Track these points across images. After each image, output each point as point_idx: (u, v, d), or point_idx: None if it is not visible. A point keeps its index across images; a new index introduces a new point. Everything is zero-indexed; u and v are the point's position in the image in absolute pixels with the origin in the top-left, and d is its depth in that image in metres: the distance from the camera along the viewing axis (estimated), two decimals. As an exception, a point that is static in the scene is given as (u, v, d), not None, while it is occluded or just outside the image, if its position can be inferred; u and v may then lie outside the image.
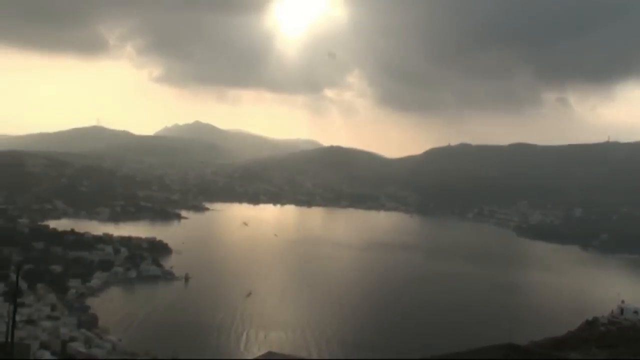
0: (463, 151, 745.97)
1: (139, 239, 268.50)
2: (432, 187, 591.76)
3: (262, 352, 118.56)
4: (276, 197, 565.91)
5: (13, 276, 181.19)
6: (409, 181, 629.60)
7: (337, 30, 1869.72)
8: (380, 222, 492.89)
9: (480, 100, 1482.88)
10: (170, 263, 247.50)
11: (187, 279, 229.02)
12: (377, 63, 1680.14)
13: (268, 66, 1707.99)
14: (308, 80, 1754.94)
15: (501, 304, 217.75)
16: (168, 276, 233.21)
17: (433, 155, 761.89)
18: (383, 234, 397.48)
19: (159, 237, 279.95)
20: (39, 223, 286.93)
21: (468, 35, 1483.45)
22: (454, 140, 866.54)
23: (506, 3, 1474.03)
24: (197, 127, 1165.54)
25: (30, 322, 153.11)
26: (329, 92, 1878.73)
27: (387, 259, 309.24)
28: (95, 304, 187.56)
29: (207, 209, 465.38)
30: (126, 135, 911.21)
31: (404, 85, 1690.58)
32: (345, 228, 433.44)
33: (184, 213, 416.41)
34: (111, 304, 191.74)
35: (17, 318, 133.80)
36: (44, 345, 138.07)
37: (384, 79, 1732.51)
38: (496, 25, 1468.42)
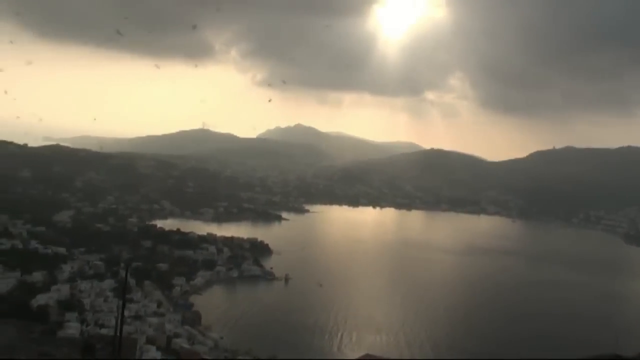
0: (568, 154, 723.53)
1: (240, 239, 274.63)
2: (536, 191, 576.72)
3: (358, 354, 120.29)
4: (376, 200, 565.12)
5: (123, 273, 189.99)
6: (511, 185, 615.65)
7: (438, 32, 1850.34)
8: (481, 227, 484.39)
9: (587, 102, 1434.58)
10: (271, 263, 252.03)
11: (287, 279, 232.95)
12: (480, 64, 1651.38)
13: (369, 69, 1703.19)
14: (409, 83, 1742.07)
15: (607, 313, 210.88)
16: (268, 276, 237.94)
17: (537, 158, 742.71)
18: (483, 239, 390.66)
19: (260, 238, 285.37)
20: (147, 222, 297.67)
21: (575, 35, 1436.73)
22: (559, 143, 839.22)
23: (611, 3, 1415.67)
24: (299, 129, 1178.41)
25: (137, 317, 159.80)
26: (429, 95, 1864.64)
27: (487, 265, 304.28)
28: (198, 301, 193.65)
29: (307, 210, 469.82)
30: (230, 138, 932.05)
31: (507, 87, 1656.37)
32: (445, 232, 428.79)
33: (284, 214, 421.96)
34: (213, 302, 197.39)
35: (126, 313, 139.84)
36: (150, 340, 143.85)
37: (487, 81, 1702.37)
38: (609, 25, 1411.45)
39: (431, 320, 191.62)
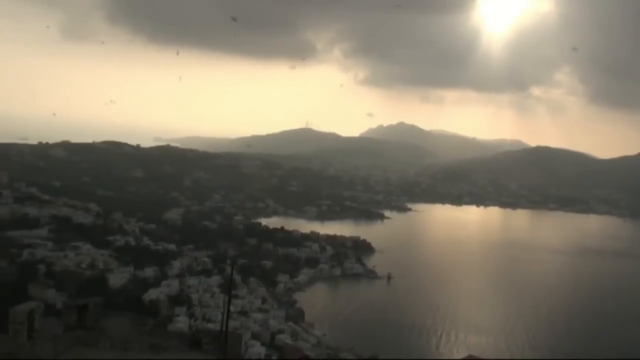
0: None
1: (343, 238, 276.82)
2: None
3: (460, 355, 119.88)
4: (479, 199, 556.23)
5: (229, 270, 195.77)
6: (623, 183, 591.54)
7: (544, 26, 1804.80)
8: (590, 227, 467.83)
9: None
10: (373, 262, 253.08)
11: (389, 278, 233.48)
12: (589, 58, 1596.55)
13: (473, 65, 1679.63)
14: (514, 79, 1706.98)
15: None
16: (371, 275, 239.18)
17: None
18: (593, 239, 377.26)
19: (362, 236, 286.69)
20: (252, 220, 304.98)
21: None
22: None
23: None
24: (401, 128, 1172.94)
25: (243, 313, 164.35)
26: (535, 90, 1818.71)
27: (597, 266, 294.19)
28: (301, 299, 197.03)
29: (410, 209, 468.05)
30: (334, 137, 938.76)
31: (618, 81, 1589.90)
32: (552, 232, 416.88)
33: (387, 213, 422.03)
34: (316, 300, 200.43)
35: (232, 309, 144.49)
36: (254, 336, 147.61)
37: (597, 75, 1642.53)
38: None
39: (534, 321, 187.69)
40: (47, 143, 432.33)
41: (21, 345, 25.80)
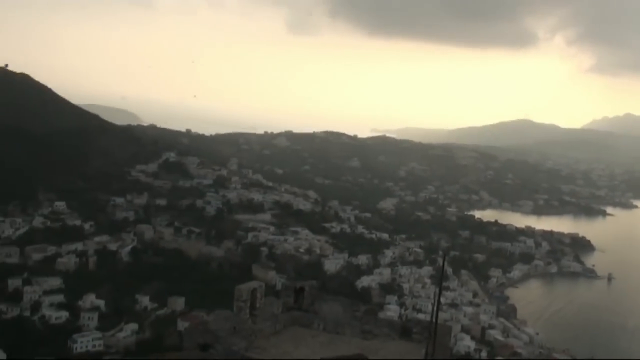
0: None
1: (560, 234, 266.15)
2: None
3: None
4: None
5: (440, 261, 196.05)
6: None
7: None
8: None
9: None
10: (593, 260, 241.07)
11: (609, 279, 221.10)
12: None
13: None
14: None
15: None
16: (589, 274, 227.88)
17: None
18: None
19: (581, 233, 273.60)
20: (466, 212, 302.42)
21: None
22: None
23: None
24: (628, 119, 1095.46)
25: (453, 305, 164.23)
26: None
27: None
28: (514, 294, 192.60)
29: (636, 206, 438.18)
30: (553, 128, 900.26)
31: None
32: None
33: (609, 210, 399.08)
34: (529, 297, 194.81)
35: (442, 301, 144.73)
36: (464, 329, 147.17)
37: None
38: None
39: None
40: (271, 133, 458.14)
41: (244, 321, 28.15)
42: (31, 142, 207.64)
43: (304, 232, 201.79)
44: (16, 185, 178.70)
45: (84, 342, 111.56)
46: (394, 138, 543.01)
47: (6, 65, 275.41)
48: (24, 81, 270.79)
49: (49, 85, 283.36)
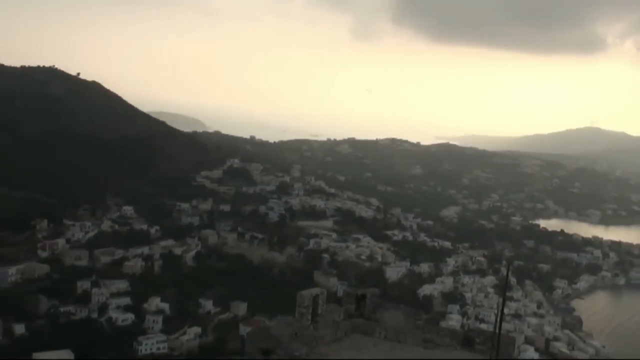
0: None
1: (629, 245, 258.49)
2: None
3: None
4: None
5: (504, 271, 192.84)
6: None
7: None
8: None
9: None
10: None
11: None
12: None
13: None
14: None
15: None
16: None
17: None
18: None
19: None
20: (530, 221, 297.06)
21: None
22: None
23: None
24: None
25: (517, 316, 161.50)
26: None
27: None
28: (580, 306, 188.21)
29: None
30: (622, 136, 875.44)
31: None
32: None
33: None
34: (596, 309, 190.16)
35: (506, 311, 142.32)
36: (528, 340, 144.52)
37: None
38: None
39: None
40: (334, 139, 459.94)
41: (305, 328, 28.54)
42: (101, 148, 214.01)
43: (366, 240, 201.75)
44: (86, 190, 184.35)
45: (149, 345, 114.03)
46: (457, 145, 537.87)
47: (78, 74, 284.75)
48: (95, 89, 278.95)
49: (119, 93, 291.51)
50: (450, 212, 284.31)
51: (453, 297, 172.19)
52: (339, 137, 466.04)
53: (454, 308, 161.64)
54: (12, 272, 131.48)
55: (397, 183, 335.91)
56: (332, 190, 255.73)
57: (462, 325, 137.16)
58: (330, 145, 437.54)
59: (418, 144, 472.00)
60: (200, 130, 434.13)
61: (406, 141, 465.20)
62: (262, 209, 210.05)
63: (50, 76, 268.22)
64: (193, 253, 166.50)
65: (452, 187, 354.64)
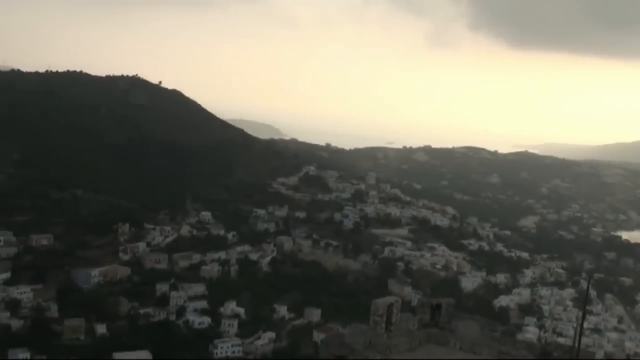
0: None
1: None
2: None
3: None
4: None
5: (584, 283, 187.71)
6: None
7: None
8: None
9: None
10: None
11: None
12: None
13: None
14: None
15: None
16: None
17: None
18: None
19: None
20: (612, 233, 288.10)
21: None
22: None
23: None
24: None
25: (596, 330, 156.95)
26: None
27: None
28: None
29: None
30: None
31: None
32: None
33: None
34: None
35: (585, 325, 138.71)
36: (607, 356, 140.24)
37: None
38: None
39: None
40: (410, 147, 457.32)
41: (379, 336, 28.66)
42: (181, 155, 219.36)
43: (441, 248, 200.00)
44: (167, 195, 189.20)
45: (224, 348, 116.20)
46: (536, 154, 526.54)
47: (160, 83, 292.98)
48: (175, 97, 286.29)
49: (198, 101, 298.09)
50: (529, 222, 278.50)
51: (530, 309, 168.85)
52: (415, 145, 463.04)
53: (531, 320, 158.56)
54: (95, 274, 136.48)
55: (474, 192, 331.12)
56: (408, 198, 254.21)
57: (539, 339, 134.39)
58: (406, 153, 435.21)
59: (495, 152, 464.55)
60: (276, 137, 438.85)
61: (483, 149, 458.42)
62: (337, 216, 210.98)
63: (133, 85, 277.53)
64: (268, 259, 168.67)
65: (530, 197, 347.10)
